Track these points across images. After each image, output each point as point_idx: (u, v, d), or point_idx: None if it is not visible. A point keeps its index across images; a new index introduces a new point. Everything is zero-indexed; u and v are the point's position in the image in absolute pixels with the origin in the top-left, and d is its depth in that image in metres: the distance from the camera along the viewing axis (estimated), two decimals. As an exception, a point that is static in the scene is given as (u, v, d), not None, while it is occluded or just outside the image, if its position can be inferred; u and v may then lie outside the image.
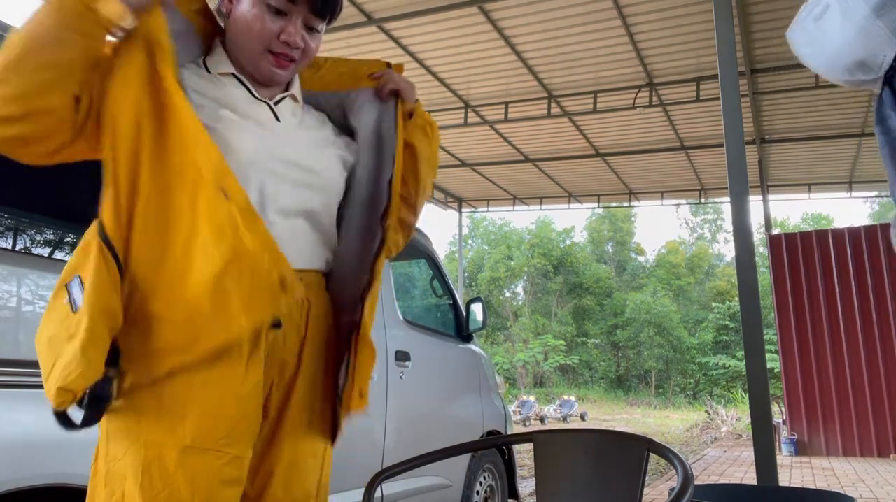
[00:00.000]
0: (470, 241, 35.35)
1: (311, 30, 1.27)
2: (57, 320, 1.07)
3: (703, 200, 13.50)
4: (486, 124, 9.20)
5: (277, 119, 1.28)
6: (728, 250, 35.85)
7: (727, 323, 28.03)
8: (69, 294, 1.07)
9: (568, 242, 34.73)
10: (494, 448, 4.26)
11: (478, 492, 3.96)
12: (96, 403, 1.04)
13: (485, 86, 8.24)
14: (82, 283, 1.07)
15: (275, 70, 1.25)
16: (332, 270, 1.30)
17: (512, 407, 15.64)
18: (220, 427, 1.08)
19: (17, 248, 1.81)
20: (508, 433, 4.48)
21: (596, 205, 14.28)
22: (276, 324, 1.14)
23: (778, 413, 10.28)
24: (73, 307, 1.05)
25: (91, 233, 1.13)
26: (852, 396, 8.87)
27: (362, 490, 1.54)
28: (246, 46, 1.25)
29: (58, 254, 1.96)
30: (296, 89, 1.35)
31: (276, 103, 1.30)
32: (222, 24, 1.31)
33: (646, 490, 4.03)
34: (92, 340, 1.01)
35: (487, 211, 15.04)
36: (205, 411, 1.07)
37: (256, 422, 1.14)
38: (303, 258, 1.23)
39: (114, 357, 1.06)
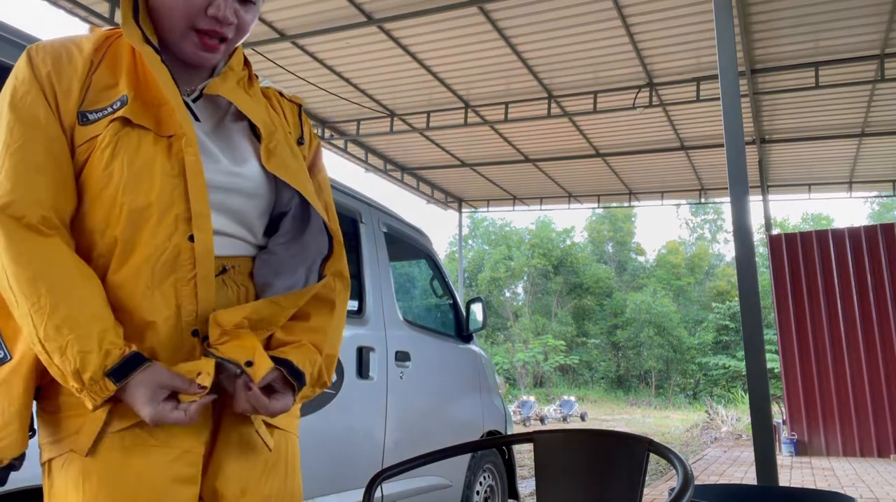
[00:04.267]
0: (470, 241, 35.36)
1: (244, 1, 1.06)
2: None
3: (703, 200, 13.51)
4: (486, 124, 9.20)
5: (197, 118, 1.09)
6: (728, 250, 35.92)
7: (727, 323, 28.03)
8: None
9: (568, 242, 34.74)
10: (494, 448, 4.26)
11: (478, 492, 3.96)
12: (6, 469, 0.96)
13: (485, 86, 8.24)
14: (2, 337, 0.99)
15: (201, 54, 1.06)
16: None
17: (512, 408, 15.64)
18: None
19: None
20: (508, 433, 4.48)
21: (596, 205, 14.29)
22: None
23: (778, 413, 10.27)
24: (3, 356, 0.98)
25: None
26: (852, 396, 8.87)
27: (362, 490, 1.54)
28: (166, 24, 1.04)
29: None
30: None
31: (195, 99, 1.11)
32: None
33: (646, 490, 4.03)
34: (27, 408, 0.95)
35: (487, 211, 15.04)
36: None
37: (204, 415, 1.02)
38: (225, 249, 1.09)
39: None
